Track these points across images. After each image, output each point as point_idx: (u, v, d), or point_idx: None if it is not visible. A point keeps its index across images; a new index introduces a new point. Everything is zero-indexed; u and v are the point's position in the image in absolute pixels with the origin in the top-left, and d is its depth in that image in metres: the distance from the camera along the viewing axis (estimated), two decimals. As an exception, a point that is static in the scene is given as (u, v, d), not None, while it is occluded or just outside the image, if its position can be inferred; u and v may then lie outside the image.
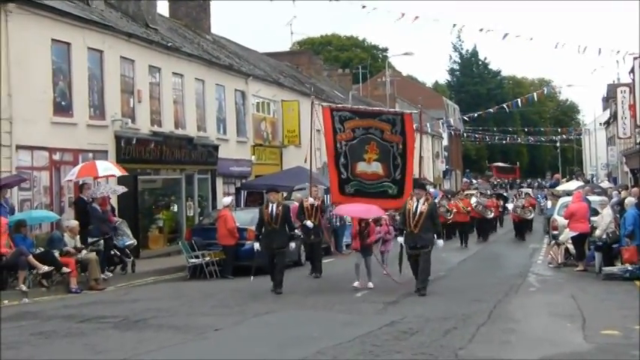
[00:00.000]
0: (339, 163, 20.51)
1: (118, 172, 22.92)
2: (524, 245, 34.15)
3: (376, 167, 20.30)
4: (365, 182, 20.42)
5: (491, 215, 38.16)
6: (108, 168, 22.72)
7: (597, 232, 21.52)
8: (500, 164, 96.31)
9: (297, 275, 21.67)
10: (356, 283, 18.90)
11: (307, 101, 32.48)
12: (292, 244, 19.12)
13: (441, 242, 17.87)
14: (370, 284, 18.87)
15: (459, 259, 27.42)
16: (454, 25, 30.10)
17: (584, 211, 22.83)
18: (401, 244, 18.45)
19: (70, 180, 22.80)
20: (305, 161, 23.90)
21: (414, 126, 21.49)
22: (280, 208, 18.54)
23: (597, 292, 17.77)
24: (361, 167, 20.36)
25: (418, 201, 17.46)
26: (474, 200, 37.37)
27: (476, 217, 36.84)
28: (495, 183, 79.55)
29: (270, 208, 18.50)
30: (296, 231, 20.64)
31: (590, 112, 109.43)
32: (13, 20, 21.49)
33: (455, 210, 35.17)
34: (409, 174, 20.36)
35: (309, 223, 21.82)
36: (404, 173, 20.20)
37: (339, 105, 28.51)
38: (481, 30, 35.44)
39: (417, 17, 29.35)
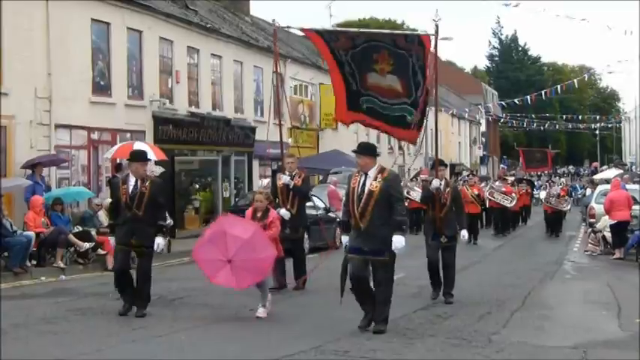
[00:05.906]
0: (345, 71, 14.65)
1: (154, 156, 22.34)
2: (560, 233, 33.73)
3: (392, 81, 14.38)
4: (380, 99, 14.63)
5: (511, 204, 31.55)
6: None
7: None
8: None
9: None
10: (260, 311, 11.95)
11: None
12: (160, 241, 12.06)
13: (464, 234, 14.50)
14: (260, 311, 11.92)
15: (494, 245, 27.31)
16: (503, 4, 29.28)
17: (624, 199, 22.59)
18: (345, 253, 11.18)
19: (107, 158, 22.91)
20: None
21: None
22: (147, 184, 12.03)
23: (634, 280, 17.60)
24: (373, 78, 14.48)
25: (366, 175, 10.67)
26: (486, 186, 32.65)
27: (494, 207, 31.62)
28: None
29: (128, 185, 12.09)
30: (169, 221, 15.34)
31: (631, 100, 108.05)
32: (54, -1, 21.67)
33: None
34: (422, 101, 14.28)
35: (283, 212, 14.59)
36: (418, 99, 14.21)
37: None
38: (528, 13, 34.81)
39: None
